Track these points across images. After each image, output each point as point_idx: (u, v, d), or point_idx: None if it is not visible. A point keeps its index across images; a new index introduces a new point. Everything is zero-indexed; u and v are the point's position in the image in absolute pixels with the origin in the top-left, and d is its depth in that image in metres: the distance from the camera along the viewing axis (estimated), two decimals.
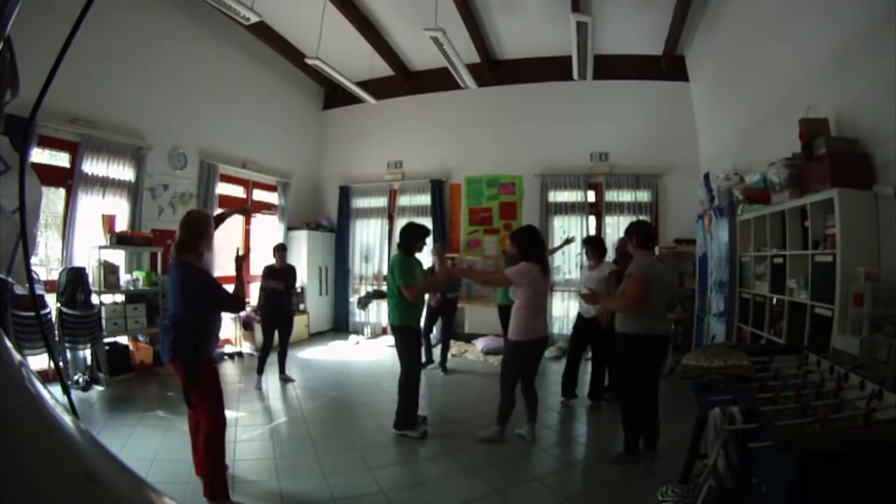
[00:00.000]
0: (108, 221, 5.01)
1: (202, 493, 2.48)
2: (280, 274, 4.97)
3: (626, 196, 6.92)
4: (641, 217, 6.82)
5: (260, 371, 4.83)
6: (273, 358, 5.01)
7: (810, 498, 1.31)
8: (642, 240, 3.17)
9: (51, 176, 4.68)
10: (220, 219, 3.06)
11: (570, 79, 6.53)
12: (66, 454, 0.44)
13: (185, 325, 2.50)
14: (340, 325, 8.11)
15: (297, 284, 7.32)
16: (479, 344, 6.70)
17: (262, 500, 2.62)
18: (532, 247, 3.41)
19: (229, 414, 2.76)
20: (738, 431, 1.62)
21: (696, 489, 1.96)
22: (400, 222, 7.85)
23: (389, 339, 7.38)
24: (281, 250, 5.20)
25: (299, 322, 7.26)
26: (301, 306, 7.35)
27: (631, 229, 3.28)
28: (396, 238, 7.70)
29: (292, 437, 3.60)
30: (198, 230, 2.55)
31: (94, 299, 4.64)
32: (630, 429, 3.14)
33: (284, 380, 5.03)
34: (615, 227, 6.98)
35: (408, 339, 3.68)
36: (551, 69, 7.06)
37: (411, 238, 3.71)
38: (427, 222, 7.31)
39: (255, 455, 3.19)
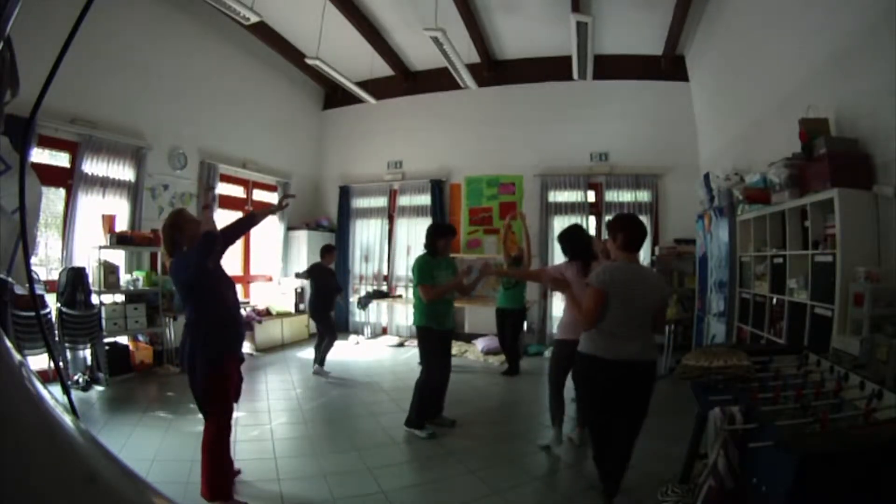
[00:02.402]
0: (108, 221, 5.01)
1: (200, 493, 2.48)
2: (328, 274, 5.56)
3: (626, 196, 6.92)
4: (642, 217, 6.81)
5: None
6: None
7: (810, 498, 1.31)
8: (629, 240, 2.43)
9: (51, 176, 4.68)
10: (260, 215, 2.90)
11: (570, 79, 6.53)
12: (67, 455, 0.44)
13: (196, 324, 2.49)
14: (340, 325, 8.09)
15: (298, 284, 7.37)
16: (479, 344, 6.70)
17: (263, 501, 2.62)
18: (572, 246, 3.33)
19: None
20: (738, 431, 1.63)
21: (696, 489, 1.96)
22: (400, 222, 7.88)
23: (389, 339, 7.39)
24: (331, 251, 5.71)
25: (299, 322, 7.29)
26: (301, 306, 7.35)
27: (616, 224, 2.51)
28: (396, 238, 7.80)
29: (292, 437, 3.61)
30: (173, 229, 2.55)
31: (94, 299, 4.64)
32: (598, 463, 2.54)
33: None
34: None
35: (426, 341, 3.62)
36: (551, 69, 7.05)
37: (433, 237, 3.65)
38: (427, 222, 7.31)
39: (255, 455, 3.18)
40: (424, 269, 3.54)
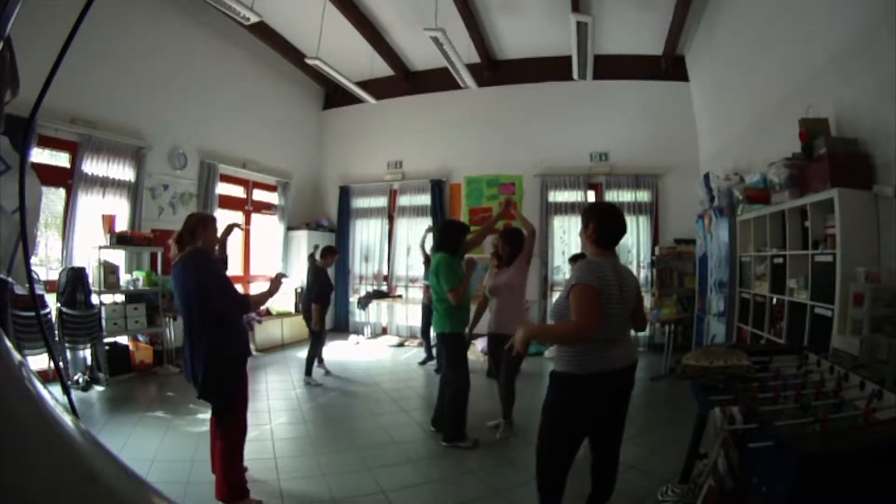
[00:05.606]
0: (108, 221, 5.01)
1: (214, 496, 2.47)
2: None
3: (626, 196, 6.91)
4: (641, 217, 6.82)
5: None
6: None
7: (810, 498, 1.31)
8: (605, 234, 2.05)
9: (51, 176, 4.68)
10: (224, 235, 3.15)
11: (570, 79, 6.54)
12: (67, 455, 0.44)
13: (205, 343, 2.38)
14: (340, 325, 8.10)
15: (298, 285, 7.37)
16: (479, 344, 6.69)
17: (263, 500, 2.61)
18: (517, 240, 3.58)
19: None
20: (738, 431, 1.62)
21: (696, 489, 1.96)
22: (400, 222, 7.87)
23: (389, 339, 7.39)
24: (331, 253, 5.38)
25: (299, 322, 7.25)
26: (301, 306, 7.34)
27: (591, 212, 2.11)
28: (396, 238, 7.80)
29: (292, 437, 3.61)
30: (191, 225, 2.51)
31: (94, 299, 4.64)
32: None
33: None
34: None
35: (458, 348, 3.52)
36: (551, 69, 7.06)
37: (458, 235, 3.53)
38: (427, 222, 7.31)
39: (255, 455, 3.17)
40: (454, 272, 3.35)
